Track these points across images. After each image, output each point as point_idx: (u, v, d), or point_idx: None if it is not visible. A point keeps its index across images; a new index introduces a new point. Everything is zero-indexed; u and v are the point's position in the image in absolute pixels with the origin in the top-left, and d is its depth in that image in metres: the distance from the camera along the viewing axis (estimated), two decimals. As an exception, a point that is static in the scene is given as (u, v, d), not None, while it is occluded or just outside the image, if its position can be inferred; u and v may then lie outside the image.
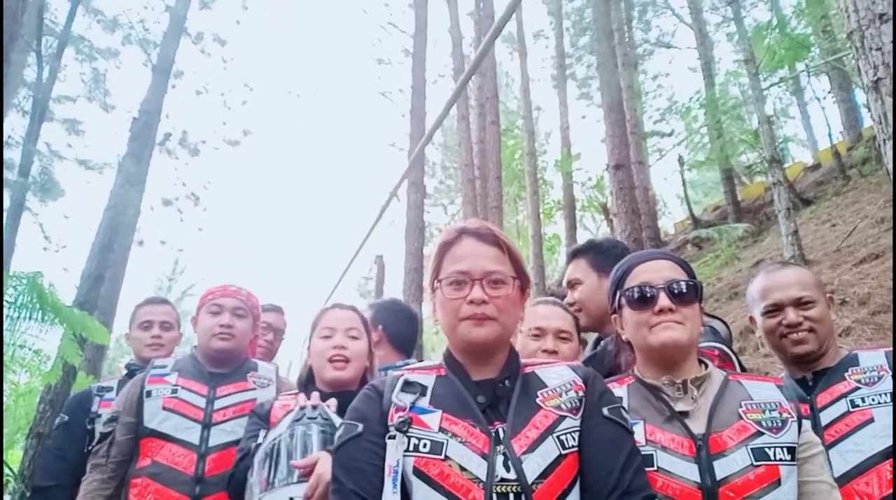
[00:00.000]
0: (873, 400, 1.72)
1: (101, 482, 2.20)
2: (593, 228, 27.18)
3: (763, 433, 1.35)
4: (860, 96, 15.72)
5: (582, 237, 22.70)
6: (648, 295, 1.47)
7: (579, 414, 1.32)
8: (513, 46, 22.69)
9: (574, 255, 2.39)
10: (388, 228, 19.08)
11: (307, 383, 2.10)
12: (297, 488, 1.64)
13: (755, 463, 1.31)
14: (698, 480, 1.31)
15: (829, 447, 1.69)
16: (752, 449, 1.33)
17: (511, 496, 1.18)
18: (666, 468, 1.34)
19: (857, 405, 1.73)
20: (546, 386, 1.36)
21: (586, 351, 2.27)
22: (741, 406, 1.41)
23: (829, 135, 14.37)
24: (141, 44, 14.83)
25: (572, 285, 2.31)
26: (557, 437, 1.27)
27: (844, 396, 1.77)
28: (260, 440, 1.86)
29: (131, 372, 2.78)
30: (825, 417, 1.77)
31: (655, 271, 1.50)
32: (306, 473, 1.57)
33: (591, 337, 2.40)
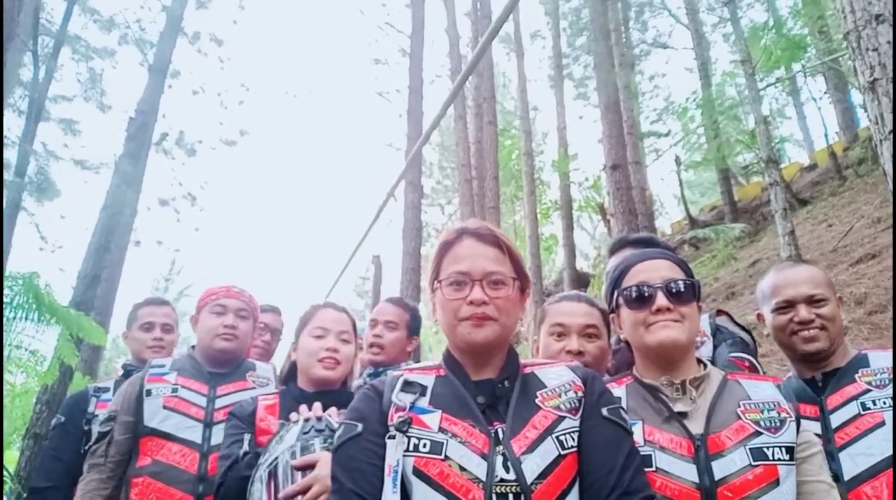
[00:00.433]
0: (885, 403, 1.70)
1: (100, 481, 2.18)
2: (590, 229, 27.23)
3: (761, 433, 1.35)
4: (856, 97, 15.80)
5: (579, 238, 22.75)
6: (646, 294, 1.47)
7: (578, 414, 1.32)
8: (510, 47, 22.72)
9: (619, 248, 2.33)
10: (385, 228, 19.09)
11: (288, 378, 2.09)
12: None
13: (753, 463, 1.31)
14: (697, 480, 1.32)
15: (839, 449, 1.69)
16: (750, 449, 1.33)
17: (510, 496, 1.18)
18: (664, 468, 1.35)
19: (869, 408, 1.72)
20: (545, 387, 1.36)
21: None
22: (740, 406, 1.41)
23: (826, 135, 14.46)
24: (137, 44, 14.81)
25: None
26: (556, 437, 1.27)
27: (855, 398, 1.76)
28: (246, 445, 1.81)
29: (128, 373, 2.77)
30: (836, 419, 1.76)
31: (653, 271, 1.50)
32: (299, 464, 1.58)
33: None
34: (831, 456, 1.66)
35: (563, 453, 1.25)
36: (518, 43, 19.24)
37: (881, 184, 9.53)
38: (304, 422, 1.78)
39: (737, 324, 2.23)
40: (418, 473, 1.22)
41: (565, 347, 1.94)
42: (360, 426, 1.32)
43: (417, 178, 11.78)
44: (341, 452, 1.31)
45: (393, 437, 1.26)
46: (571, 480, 1.24)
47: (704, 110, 13.25)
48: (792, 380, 1.94)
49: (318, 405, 1.87)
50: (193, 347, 2.55)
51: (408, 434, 1.26)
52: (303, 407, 1.88)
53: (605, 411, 1.33)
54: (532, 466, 1.22)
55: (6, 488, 6.65)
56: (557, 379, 1.38)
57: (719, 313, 2.30)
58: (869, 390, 1.75)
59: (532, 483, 1.19)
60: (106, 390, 2.84)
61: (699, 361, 1.53)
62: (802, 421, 1.42)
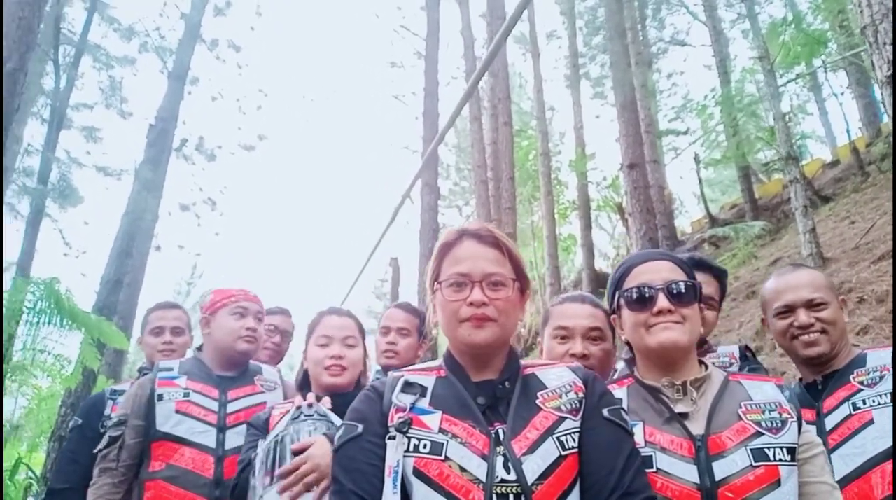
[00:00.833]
0: (873, 402, 1.71)
1: (112, 486, 2.19)
2: (609, 228, 27.03)
3: (762, 434, 1.35)
4: (879, 92, 15.48)
5: (598, 237, 22.61)
6: (647, 295, 1.47)
7: (579, 415, 1.32)
8: (525, 47, 22.65)
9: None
10: (403, 230, 19.13)
11: (303, 386, 2.13)
12: None
13: (754, 464, 1.30)
14: (697, 481, 1.31)
15: (832, 451, 1.69)
16: (751, 450, 1.32)
17: (511, 496, 1.19)
18: (665, 469, 1.34)
19: (859, 408, 1.73)
20: (546, 387, 1.37)
21: None
22: (741, 407, 1.40)
23: (848, 131, 14.21)
24: (157, 51, 15.02)
25: None
26: (557, 438, 1.27)
27: (847, 399, 1.77)
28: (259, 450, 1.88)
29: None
30: (830, 422, 1.77)
31: (654, 272, 1.49)
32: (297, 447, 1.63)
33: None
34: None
35: (563, 453, 1.25)
36: (534, 43, 19.21)
37: (905, 180, 9.35)
38: (294, 409, 1.85)
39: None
40: (418, 473, 1.22)
41: (569, 350, 1.92)
42: (360, 427, 1.33)
43: (434, 179, 11.80)
44: (342, 453, 1.32)
45: (393, 438, 1.27)
46: (572, 481, 1.24)
47: (724, 107, 13.08)
48: (794, 385, 1.95)
49: (311, 395, 1.93)
50: (199, 349, 2.56)
51: (408, 435, 1.27)
52: (297, 397, 1.95)
53: (605, 412, 1.33)
54: (533, 466, 1.22)
55: (33, 490, 6.78)
56: (558, 380, 1.39)
57: (746, 347, 2.34)
58: (861, 390, 1.76)
59: (533, 484, 1.20)
60: (122, 392, 2.87)
61: (700, 362, 1.52)
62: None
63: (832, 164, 15.93)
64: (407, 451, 1.25)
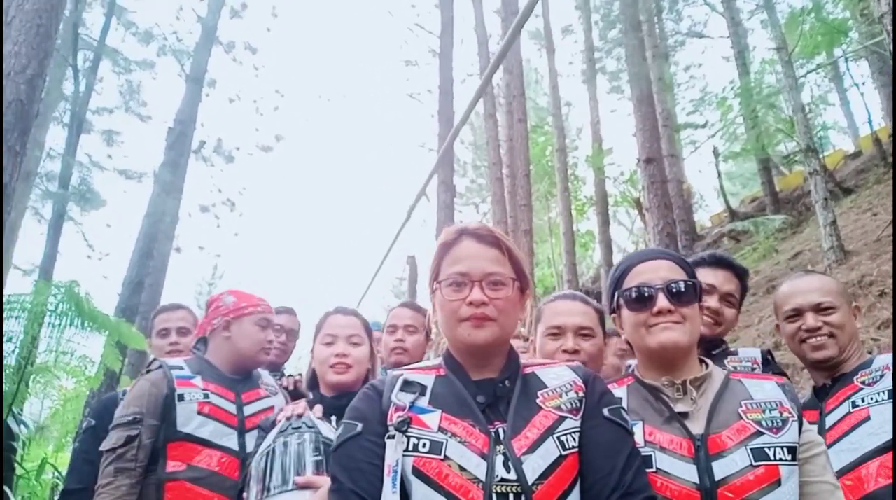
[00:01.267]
0: (872, 399, 1.73)
1: (130, 486, 2.14)
2: (627, 224, 26.84)
3: (763, 433, 1.33)
4: (902, 80, 15.16)
5: (616, 233, 22.45)
6: (647, 295, 1.45)
7: (579, 415, 1.32)
8: (540, 43, 22.55)
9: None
10: (420, 229, 19.16)
11: (312, 385, 2.15)
12: (291, 495, 1.69)
13: (755, 463, 1.29)
14: (697, 481, 1.30)
15: (828, 447, 1.68)
16: (751, 449, 1.31)
17: (511, 496, 1.18)
18: (665, 469, 1.34)
19: (857, 405, 1.75)
20: (546, 387, 1.36)
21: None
22: (741, 406, 1.39)
23: (870, 121, 13.93)
24: (175, 54, 15.20)
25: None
26: (558, 438, 1.26)
27: (848, 398, 1.79)
28: None
29: None
30: (830, 420, 1.79)
31: (654, 271, 1.48)
32: (302, 482, 1.64)
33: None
34: None
35: (564, 453, 1.25)
36: (548, 38, 19.10)
37: (929, 170, 9.16)
38: (284, 421, 1.87)
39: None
40: (418, 473, 1.22)
41: (561, 346, 1.96)
42: (359, 426, 1.32)
43: (450, 177, 11.78)
44: (341, 451, 1.32)
45: (392, 437, 1.26)
46: (572, 480, 1.24)
47: (743, 99, 12.91)
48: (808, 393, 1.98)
49: (302, 403, 1.95)
50: (197, 347, 2.53)
51: (407, 434, 1.26)
52: (287, 406, 1.96)
53: (606, 412, 1.32)
54: (533, 466, 1.21)
55: (59, 489, 6.91)
56: (558, 379, 1.38)
57: (769, 351, 2.34)
58: (861, 389, 1.77)
59: (533, 484, 1.19)
60: None
61: (701, 360, 1.51)
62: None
63: (854, 155, 15.65)
64: (406, 450, 1.25)
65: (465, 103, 6.63)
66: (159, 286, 12.65)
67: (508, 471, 1.20)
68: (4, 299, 5.19)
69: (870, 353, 1.96)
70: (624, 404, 1.42)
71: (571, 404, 1.33)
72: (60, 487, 6.86)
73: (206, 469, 2.19)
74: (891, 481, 1.58)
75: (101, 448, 2.23)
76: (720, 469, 1.30)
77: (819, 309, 1.91)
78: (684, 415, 1.40)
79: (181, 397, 2.27)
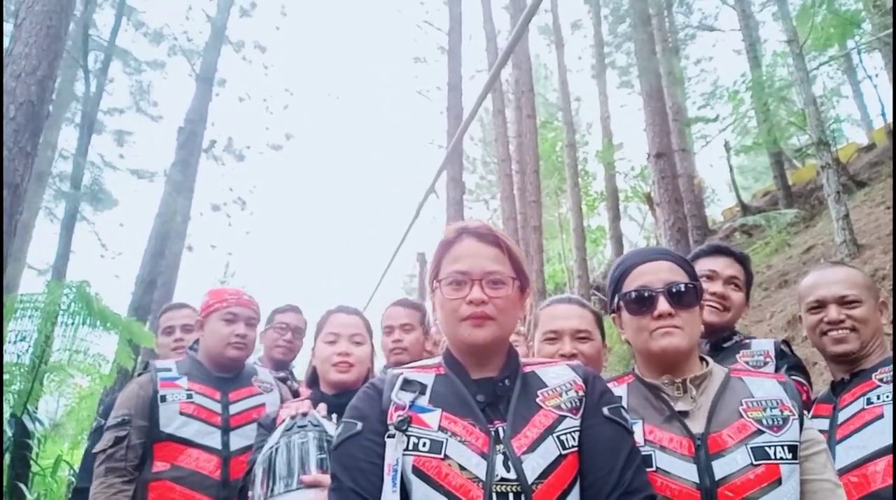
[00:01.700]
0: (887, 397, 1.69)
1: (122, 483, 2.21)
2: (639, 219, 26.72)
3: (763, 432, 1.32)
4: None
5: (627, 228, 22.36)
6: (647, 297, 1.44)
7: (579, 414, 1.31)
8: (550, 38, 22.47)
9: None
10: (430, 226, 19.15)
11: (312, 383, 2.15)
12: (297, 494, 1.70)
13: (755, 462, 1.28)
14: (697, 480, 1.30)
15: (838, 443, 1.68)
16: (751, 448, 1.30)
17: (511, 495, 1.18)
18: (664, 468, 1.33)
19: (872, 402, 1.71)
20: (546, 386, 1.36)
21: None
22: (742, 404, 1.38)
23: (883, 114, 13.75)
24: (185, 54, 15.27)
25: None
26: (557, 437, 1.26)
27: (864, 395, 1.74)
28: None
29: None
30: (843, 416, 1.75)
31: (654, 273, 1.46)
32: (310, 480, 1.64)
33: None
34: (830, 450, 1.64)
35: (563, 452, 1.24)
36: (557, 34, 19.04)
37: (944, 162, 9.05)
38: (289, 419, 1.88)
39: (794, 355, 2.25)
40: (418, 472, 1.22)
41: (559, 350, 1.94)
42: (359, 425, 1.32)
43: (459, 174, 11.76)
44: (341, 450, 1.32)
45: (392, 436, 1.26)
46: (572, 480, 1.23)
47: (754, 93, 12.79)
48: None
49: (306, 403, 1.95)
50: (193, 348, 2.57)
51: (407, 433, 1.26)
52: (292, 404, 1.97)
53: (606, 411, 1.31)
54: (533, 465, 1.21)
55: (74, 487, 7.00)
56: (558, 378, 1.38)
57: (784, 342, 2.30)
58: (878, 386, 1.73)
59: (533, 483, 1.19)
60: None
61: (702, 358, 1.50)
62: (813, 420, 1.39)
63: (868, 148, 15.48)
64: (406, 449, 1.25)
65: (475, 100, 6.61)
66: (172, 285, 12.73)
67: (508, 470, 1.20)
68: (18, 299, 5.26)
69: None
70: (624, 403, 1.41)
71: (571, 404, 1.32)
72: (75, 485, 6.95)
73: (188, 469, 2.23)
74: None
75: (93, 451, 2.30)
76: (720, 468, 1.29)
77: (843, 302, 1.86)
78: (684, 414, 1.39)
79: (163, 399, 2.33)
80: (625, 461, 1.24)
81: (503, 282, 1.37)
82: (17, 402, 5.30)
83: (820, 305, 1.90)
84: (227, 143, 17.47)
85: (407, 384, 1.37)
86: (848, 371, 1.86)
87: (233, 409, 2.38)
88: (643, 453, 1.33)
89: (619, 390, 1.49)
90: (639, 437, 1.37)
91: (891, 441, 1.61)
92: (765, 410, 1.36)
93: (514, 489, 1.18)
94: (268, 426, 1.99)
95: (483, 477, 1.20)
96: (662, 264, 1.49)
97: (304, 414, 1.89)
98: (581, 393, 1.35)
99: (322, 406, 1.95)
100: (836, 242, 7.77)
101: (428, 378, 1.39)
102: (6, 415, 5.44)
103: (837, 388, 1.86)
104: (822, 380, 2.09)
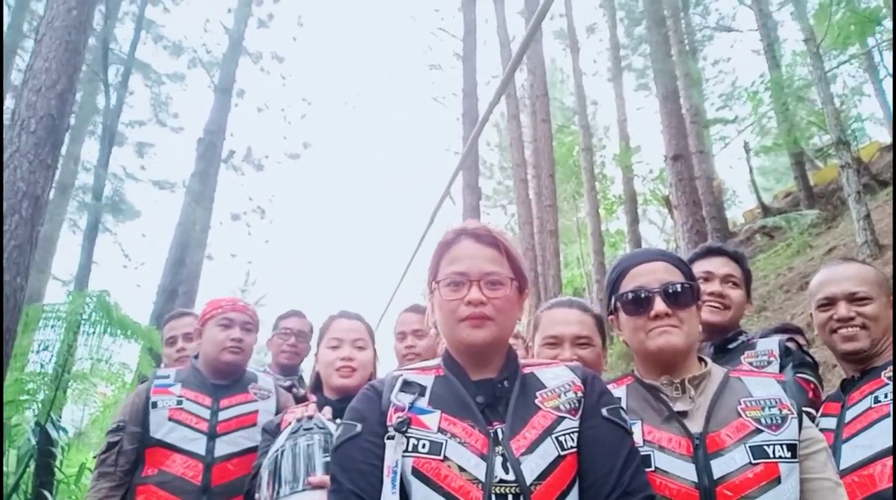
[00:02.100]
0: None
1: (110, 489, 2.28)
2: (658, 222, 26.50)
3: (762, 431, 1.32)
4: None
5: (645, 231, 22.18)
6: (643, 297, 1.44)
7: (578, 415, 1.31)
8: (565, 42, 22.43)
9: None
10: (447, 232, 19.14)
11: (316, 388, 2.18)
12: (302, 496, 1.71)
13: (754, 461, 1.28)
14: (696, 479, 1.29)
15: (843, 441, 1.66)
16: (750, 447, 1.30)
17: (510, 497, 1.18)
18: (663, 468, 1.33)
19: (879, 400, 1.68)
20: (545, 387, 1.36)
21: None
22: (740, 404, 1.37)
23: (905, 111, 13.48)
24: (204, 66, 15.49)
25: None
26: (556, 438, 1.26)
27: (872, 393, 1.72)
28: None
29: None
30: (850, 414, 1.73)
31: (650, 274, 1.47)
32: (316, 482, 1.65)
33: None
34: (836, 449, 1.64)
35: (562, 453, 1.24)
36: (572, 37, 18.99)
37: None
38: (295, 422, 1.89)
39: (804, 352, 2.20)
40: (417, 473, 1.22)
41: (558, 356, 1.92)
42: (359, 427, 1.33)
43: (475, 179, 11.76)
44: (340, 452, 1.32)
45: (392, 437, 1.27)
46: (571, 480, 1.23)
47: (773, 93, 12.66)
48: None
49: (312, 406, 1.97)
50: (196, 357, 2.62)
51: (407, 435, 1.26)
52: (298, 407, 2.00)
53: (604, 412, 1.31)
54: (531, 466, 1.21)
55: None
56: (557, 379, 1.37)
57: (790, 339, 2.29)
58: (887, 384, 1.70)
59: (532, 484, 1.19)
60: None
61: (700, 359, 1.50)
62: (821, 419, 1.38)
63: (890, 146, 15.21)
64: (406, 451, 1.25)
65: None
66: (193, 294, 12.87)
67: (507, 472, 1.20)
68: (41, 309, 5.36)
69: None
70: (623, 404, 1.41)
71: (570, 405, 1.32)
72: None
73: (171, 474, 2.28)
74: None
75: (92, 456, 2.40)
76: (719, 468, 1.29)
77: (853, 299, 1.83)
78: (683, 414, 1.38)
79: (154, 405, 2.40)
80: (624, 461, 1.24)
81: (501, 283, 1.37)
82: (41, 410, 5.40)
83: (830, 302, 1.87)
84: (245, 153, 17.68)
85: (406, 386, 1.37)
86: (858, 369, 1.84)
87: (221, 415, 2.42)
88: (642, 453, 1.33)
89: (619, 391, 1.49)
90: (637, 437, 1.36)
91: None
92: (763, 409, 1.35)
93: (513, 490, 1.18)
94: (272, 431, 2.01)
95: (482, 479, 1.20)
96: (658, 264, 1.49)
97: (310, 417, 1.91)
98: (580, 394, 1.35)
99: (327, 409, 1.97)
100: (857, 243, 7.65)
101: (427, 380, 1.39)
102: (30, 423, 5.54)
103: (847, 386, 1.84)
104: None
